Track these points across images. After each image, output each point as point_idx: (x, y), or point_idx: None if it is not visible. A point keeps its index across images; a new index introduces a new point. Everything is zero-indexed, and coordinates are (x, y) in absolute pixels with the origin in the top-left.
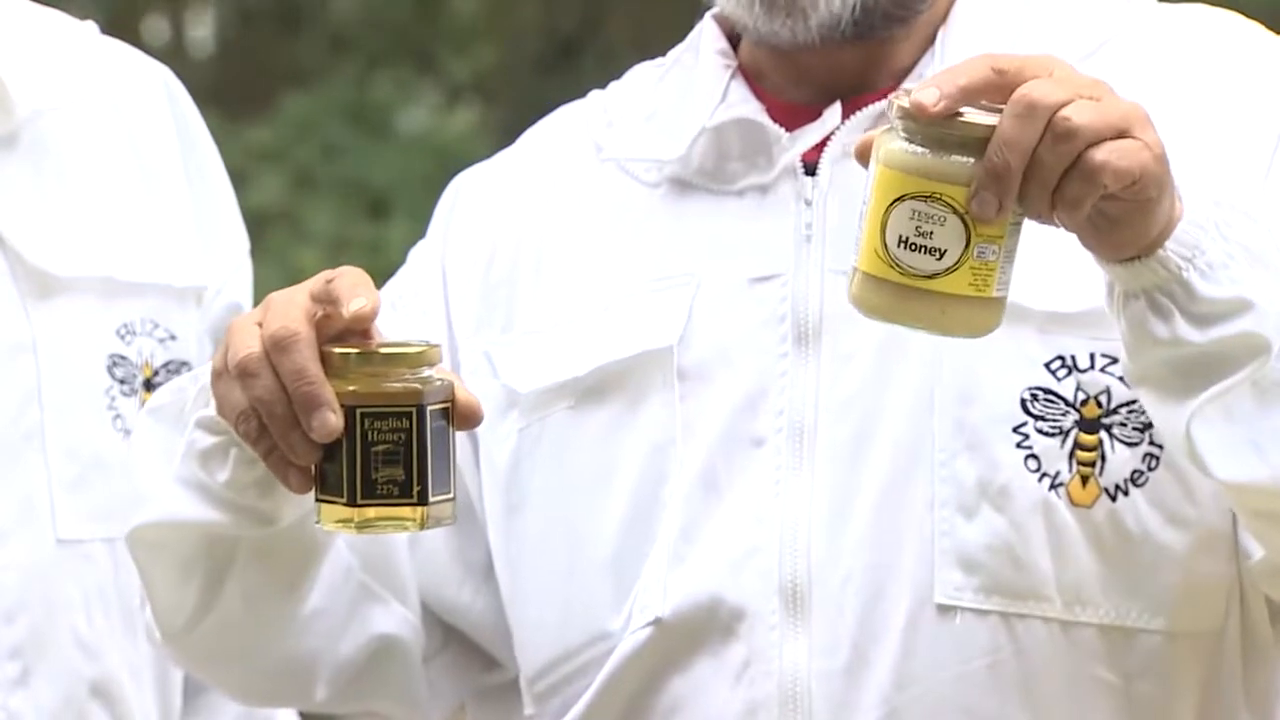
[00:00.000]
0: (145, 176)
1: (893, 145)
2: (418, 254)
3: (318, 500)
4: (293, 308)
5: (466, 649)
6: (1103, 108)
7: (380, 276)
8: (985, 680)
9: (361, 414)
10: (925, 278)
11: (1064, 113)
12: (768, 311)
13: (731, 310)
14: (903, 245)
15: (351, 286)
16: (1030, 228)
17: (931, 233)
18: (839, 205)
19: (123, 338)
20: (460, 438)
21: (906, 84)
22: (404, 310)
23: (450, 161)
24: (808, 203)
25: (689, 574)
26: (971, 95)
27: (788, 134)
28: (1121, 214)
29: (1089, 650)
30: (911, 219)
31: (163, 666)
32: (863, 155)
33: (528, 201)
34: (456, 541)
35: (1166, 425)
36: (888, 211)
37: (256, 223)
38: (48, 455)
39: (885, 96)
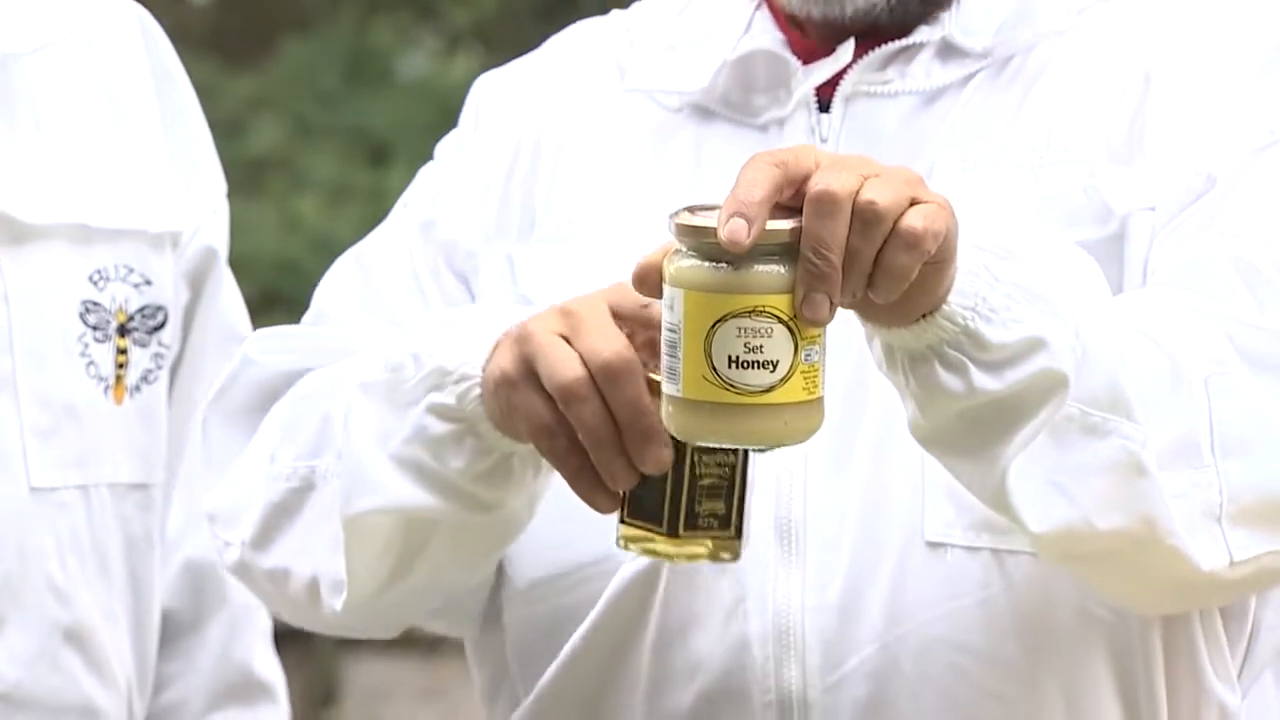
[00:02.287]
0: (119, 120)
1: (688, 267)
2: (452, 152)
3: (624, 522)
4: (609, 328)
5: None
6: (890, 181)
7: (380, 223)
8: (977, 616)
9: (693, 448)
10: (762, 392)
11: (864, 197)
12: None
13: None
14: (734, 365)
15: None
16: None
17: (761, 346)
18: (849, 144)
19: (95, 284)
20: None
21: (916, 37)
22: (451, 210)
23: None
24: (822, 139)
25: None
26: (770, 205)
27: (803, 67)
28: (925, 276)
29: (1080, 585)
30: (739, 337)
31: (138, 612)
32: (643, 283)
33: (548, 110)
34: None
35: (971, 482)
36: (710, 334)
37: (256, 170)
38: (19, 403)
39: (898, 39)
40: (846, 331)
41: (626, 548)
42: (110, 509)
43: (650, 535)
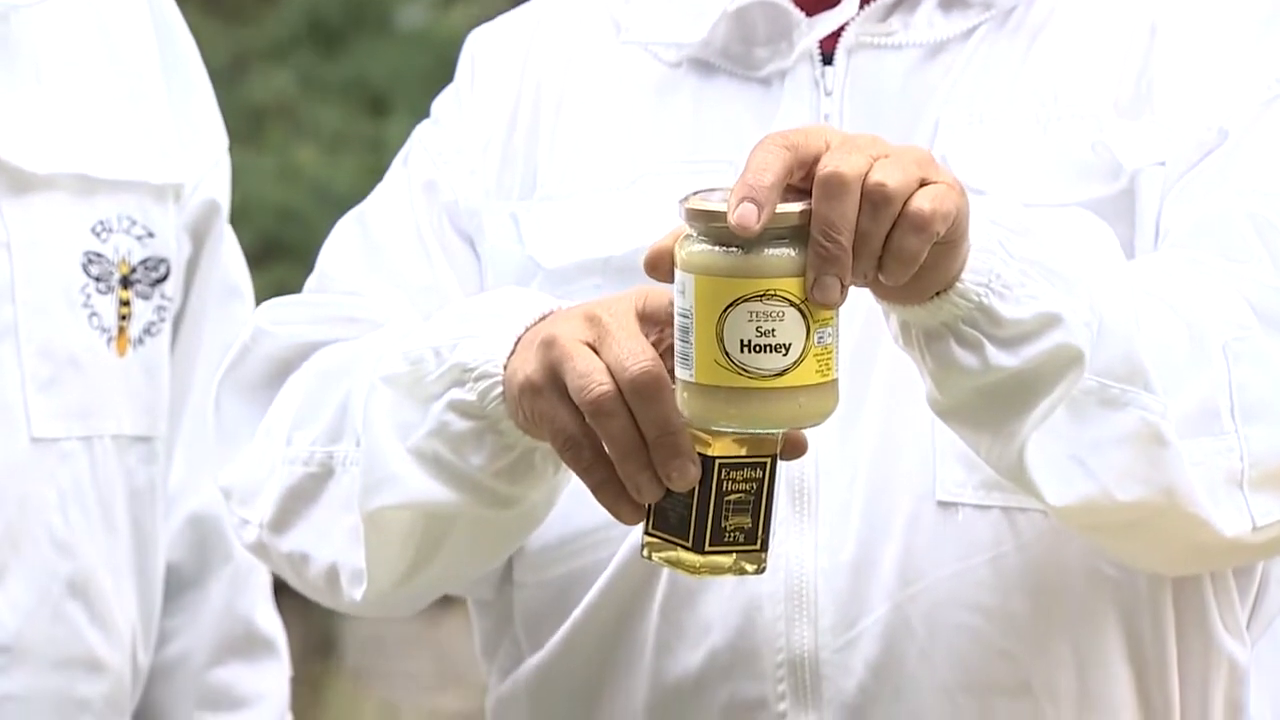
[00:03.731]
0: (121, 72)
1: (699, 251)
2: (449, 110)
3: (649, 534)
4: (636, 338)
5: None
6: (899, 162)
7: (380, 174)
8: (988, 575)
9: (719, 464)
10: (775, 375)
11: (874, 179)
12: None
13: None
14: (746, 349)
15: None
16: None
17: (773, 330)
18: (854, 96)
19: (98, 235)
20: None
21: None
22: (452, 169)
23: (449, 59)
24: (827, 92)
25: None
26: (780, 189)
27: (806, 19)
28: (936, 257)
29: (1090, 544)
30: (750, 321)
31: (143, 564)
32: (655, 269)
33: (546, 63)
34: None
35: (989, 455)
36: (722, 319)
37: (256, 119)
38: (21, 353)
39: None
40: (853, 291)
41: (650, 558)
42: (114, 461)
43: (675, 548)
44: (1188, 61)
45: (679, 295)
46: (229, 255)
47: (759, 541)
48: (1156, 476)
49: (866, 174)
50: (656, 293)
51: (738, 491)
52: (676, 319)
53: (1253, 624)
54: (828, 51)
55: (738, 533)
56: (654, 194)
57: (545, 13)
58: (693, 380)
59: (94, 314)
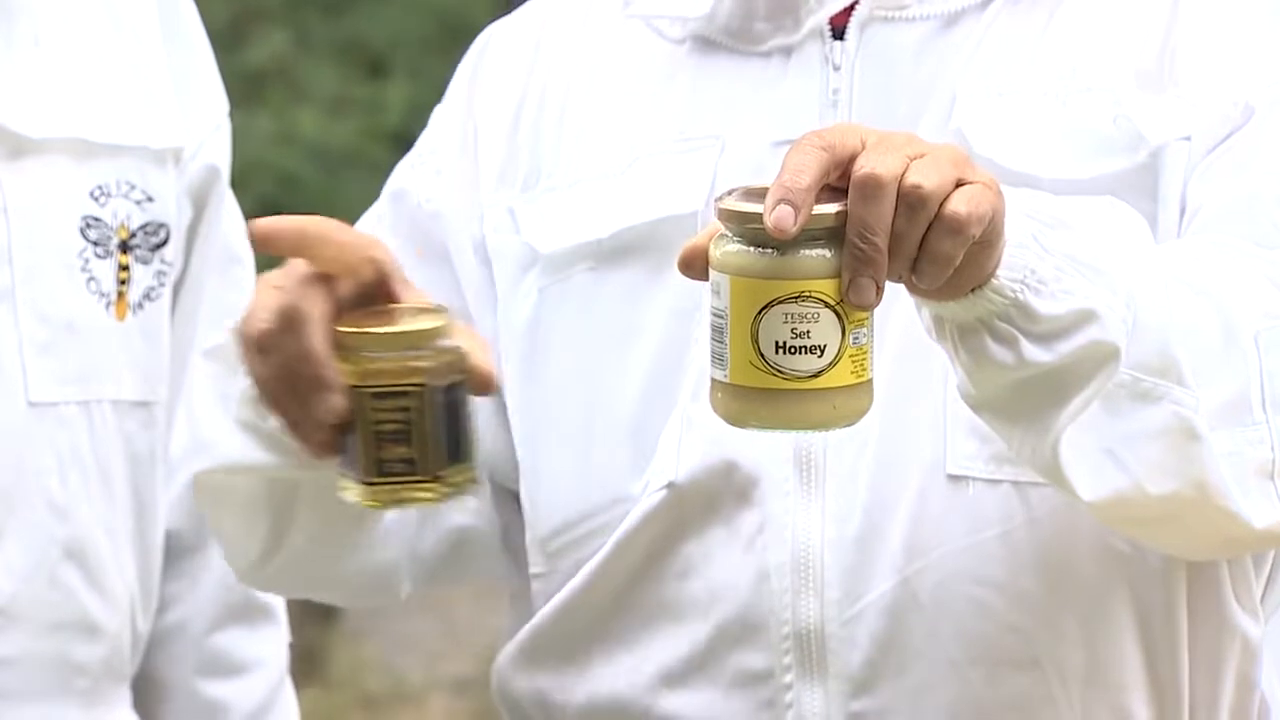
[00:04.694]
0: (121, 36)
1: (734, 252)
2: (439, 112)
3: (337, 472)
4: (301, 280)
5: None
6: (935, 162)
7: (379, 137)
8: (998, 549)
9: (365, 395)
10: (810, 377)
11: (910, 180)
12: None
13: (755, 174)
14: (781, 350)
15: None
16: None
17: (808, 331)
18: (866, 70)
19: (97, 199)
20: (480, 293)
21: None
22: (421, 170)
23: (449, 21)
24: (836, 67)
25: (704, 439)
26: (816, 190)
27: None
28: (972, 256)
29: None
30: (785, 322)
31: (142, 529)
32: (690, 267)
33: (553, 54)
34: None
35: (1022, 449)
36: (757, 320)
37: (255, 81)
38: (18, 317)
39: None
40: None
41: (343, 496)
42: (113, 426)
43: (355, 484)
44: (1212, 35)
45: (713, 295)
46: (230, 221)
47: (425, 471)
48: (1189, 470)
49: (902, 175)
50: (356, 238)
51: (392, 422)
52: (710, 319)
53: (1267, 599)
54: (838, 26)
55: (398, 463)
56: (647, 175)
57: (554, 2)
58: (727, 380)
59: (92, 279)
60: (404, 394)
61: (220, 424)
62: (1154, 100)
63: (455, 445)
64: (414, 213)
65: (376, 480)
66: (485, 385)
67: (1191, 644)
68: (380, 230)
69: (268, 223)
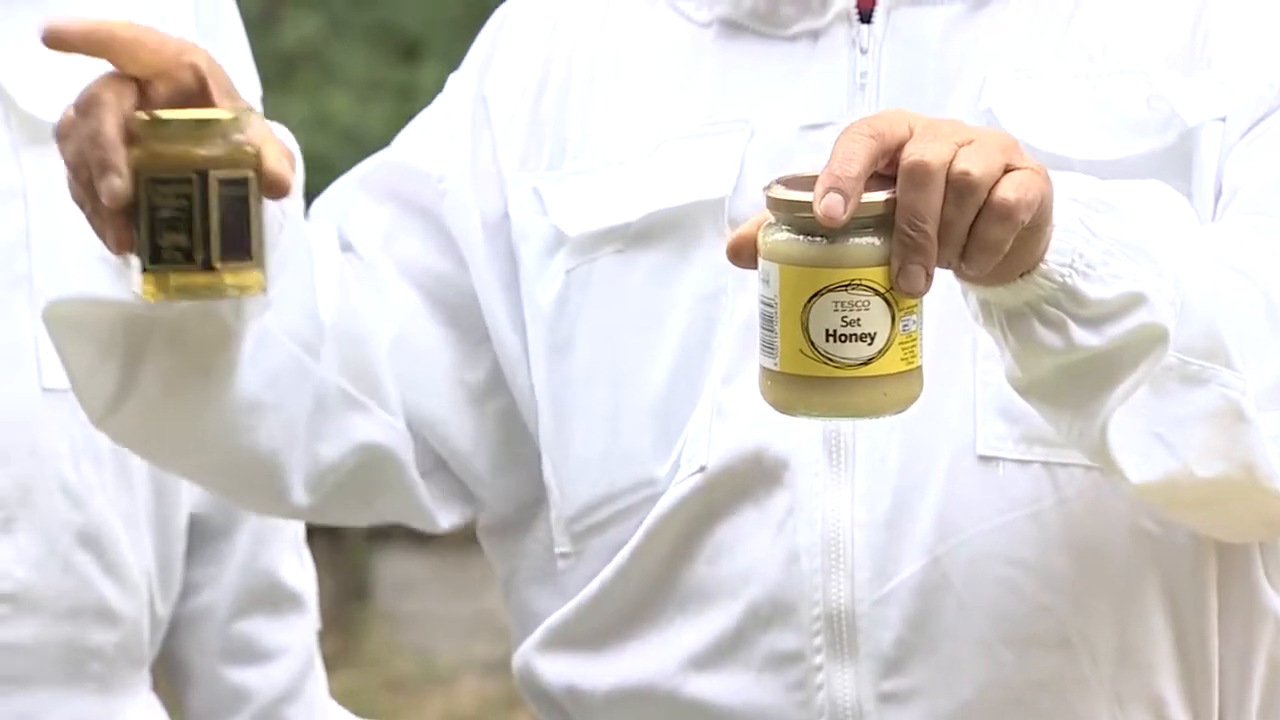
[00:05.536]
0: (150, 21)
1: (783, 240)
2: (454, 80)
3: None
4: (110, 73)
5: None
6: (983, 149)
7: (410, 119)
8: (1027, 530)
9: (146, 179)
10: (860, 365)
11: (959, 167)
12: (819, 160)
13: (783, 158)
14: (831, 338)
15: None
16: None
17: (859, 319)
18: (893, 53)
19: None
20: (502, 268)
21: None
22: (431, 134)
23: (481, 4)
24: (863, 50)
25: (735, 424)
26: (865, 178)
27: None
28: (1020, 241)
29: (1131, 499)
30: (835, 310)
31: (161, 516)
32: (738, 256)
33: (577, 32)
34: (450, 356)
35: (1070, 433)
36: (806, 308)
37: (288, 64)
38: (34, 303)
39: None
40: None
41: (134, 290)
42: None
43: (138, 274)
44: (1245, 16)
45: (762, 284)
46: None
47: (199, 260)
48: (1236, 452)
49: (951, 161)
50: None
51: (168, 208)
52: (760, 307)
53: None
54: (865, 10)
55: (175, 250)
56: (673, 158)
57: None
58: (777, 369)
59: None
60: (184, 182)
61: (84, 256)
62: (1186, 81)
63: (237, 240)
64: (408, 175)
65: (153, 267)
66: (275, 187)
67: (1222, 625)
68: (357, 188)
69: (60, 22)
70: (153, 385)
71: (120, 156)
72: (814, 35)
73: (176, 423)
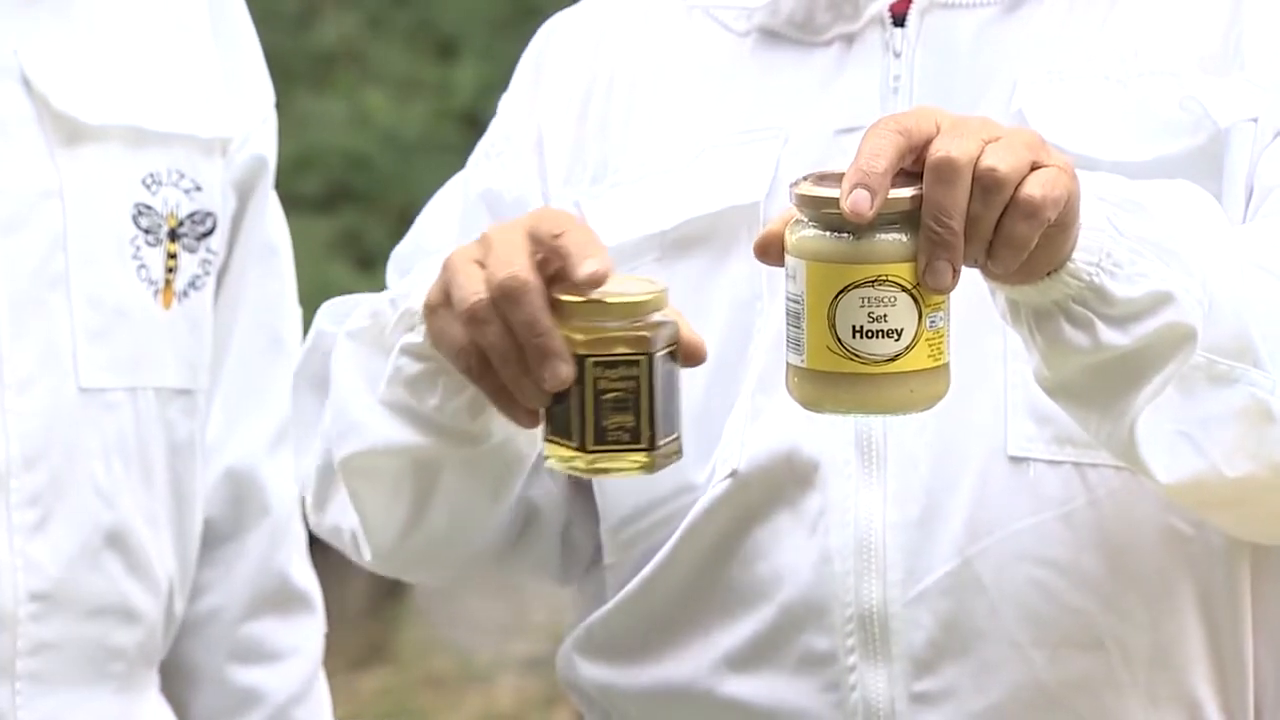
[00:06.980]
0: (171, 26)
1: (810, 237)
2: (507, 103)
3: (546, 440)
4: (517, 252)
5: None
6: (1011, 146)
7: (449, 119)
8: (1058, 530)
9: (592, 363)
10: (887, 361)
11: (985, 163)
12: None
13: (817, 163)
14: (858, 335)
15: (582, 246)
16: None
17: (885, 315)
18: (927, 57)
19: (148, 187)
20: None
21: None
22: (495, 161)
23: (519, 2)
24: (896, 54)
25: (767, 427)
26: (892, 174)
27: None
28: (1047, 239)
29: (1162, 499)
30: (862, 306)
31: (180, 517)
32: (765, 253)
33: (618, 49)
34: None
35: (1098, 432)
36: (834, 305)
37: (325, 63)
38: (71, 303)
39: None
40: None
41: (550, 463)
42: (155, 413)
43: (568, 451)
44: (1278, 17)
45: (789, 281)
46: (272, 213)
47: (644, 440)
48: (1265, 452)
49: (978, 158)
50: (549, 215)
51: (614, 390)
52: (787, 304)
53: None
54: (898, 14)
55: (621, 431)
56: (711, 167)
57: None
58: (804, 366)
59: (143, 265)
60: (630, 363)
61: (368, 406)
62: (1220, 83)
63: (670, 414)
64: (487, 197)
65: (596, 448)
66: (695, 356)
67: (1256, 626)
68: (458, 225)
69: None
70: (440, 516)
71: (560, 342)
72: (848, 40)
73: (452, 544)
